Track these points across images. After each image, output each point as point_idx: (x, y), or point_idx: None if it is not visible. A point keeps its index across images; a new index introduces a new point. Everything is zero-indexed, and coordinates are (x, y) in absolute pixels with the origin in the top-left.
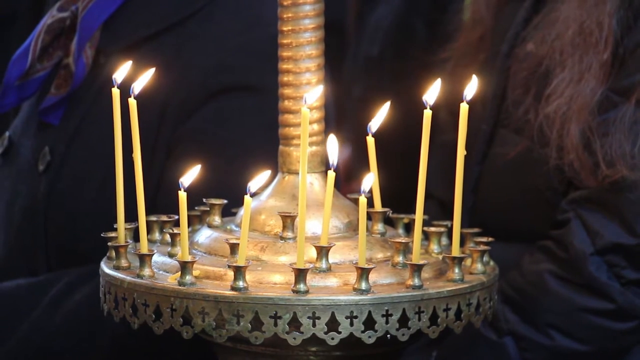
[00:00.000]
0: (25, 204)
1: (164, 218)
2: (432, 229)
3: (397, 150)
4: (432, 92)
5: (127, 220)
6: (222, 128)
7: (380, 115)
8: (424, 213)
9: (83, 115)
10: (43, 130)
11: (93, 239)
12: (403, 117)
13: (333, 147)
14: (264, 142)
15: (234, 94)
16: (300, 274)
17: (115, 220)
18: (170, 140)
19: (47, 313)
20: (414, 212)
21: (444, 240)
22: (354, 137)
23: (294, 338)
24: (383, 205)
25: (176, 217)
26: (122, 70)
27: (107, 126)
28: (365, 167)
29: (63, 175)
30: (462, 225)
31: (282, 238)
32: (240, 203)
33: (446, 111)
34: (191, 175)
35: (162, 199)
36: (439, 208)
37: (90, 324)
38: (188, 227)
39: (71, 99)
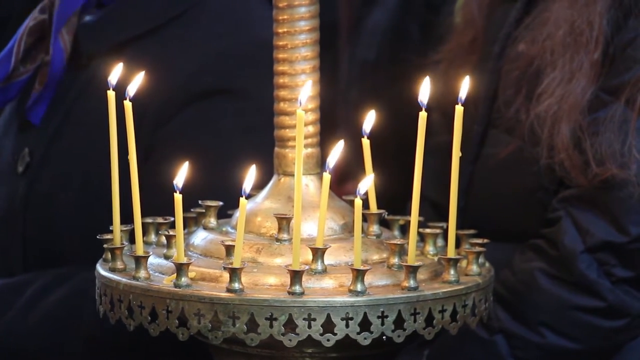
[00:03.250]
0: (3, 205)
1: (160, 220)
2: (428, 230)
3: (393, 152)
4: (424, 91)
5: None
6: (202, 132)
7: (371, 119)
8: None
9: (63, 117)
10: (23, 131)
11: (70, 241)
12: (398, 119)
13: (336, 152)
14: (243, 146)
15: (215, 98)
16: (296, 276)
17: (95, 222)
18: (149, 143)
19: (21, 314)
20: (408, 213)
21: (440, 242)
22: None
23: (290, 340)
24: (379, 207)
25: (172, 219)
26: (115, 72)
27: (87, 128)
28: (360, 169)
29: (42, 177)
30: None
31: (277, 240)
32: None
33: (438, 113)
34: (182, 175)
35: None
36: (431, 209)
37: (65, 326)
38: (184, 229)
39: (52, 100)
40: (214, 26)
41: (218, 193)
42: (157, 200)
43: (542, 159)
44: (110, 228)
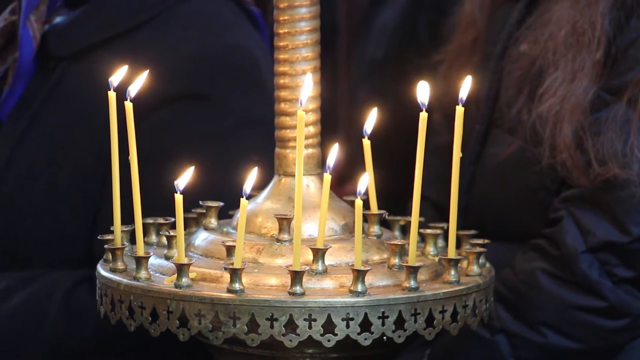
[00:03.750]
0: None
1: (160, 220)
2: (428, 231)
3: (400, 151)
4: (423, 94)
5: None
6: (172, 136)
7: (372, 119)
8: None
9: (31, 118)
10: None
11: (34, 244)
12: (405, 119)
13: (334, 153)
14: (210, 152)
15: (185, 102)
16: (297, 276)
17: (59, 224)
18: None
19: None
20: (409, 213)
21: (440, 242)
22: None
23: (290, 340)
24: (388, 208)
25: (172, 219)
26: (118, 74)
27: (54, 131)
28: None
29: (7, 179)
30: (457, 226)
31: (278, 240)
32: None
33: (440, 113)
34: (186, 177)
35: (106, 205)
36: (432, 210)
37: (28, 328)
38: (184, 229)
39: (20, 101)
40: (185, 31)
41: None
42: (127, 202)
43: (544, 159)
44: (111, 228)
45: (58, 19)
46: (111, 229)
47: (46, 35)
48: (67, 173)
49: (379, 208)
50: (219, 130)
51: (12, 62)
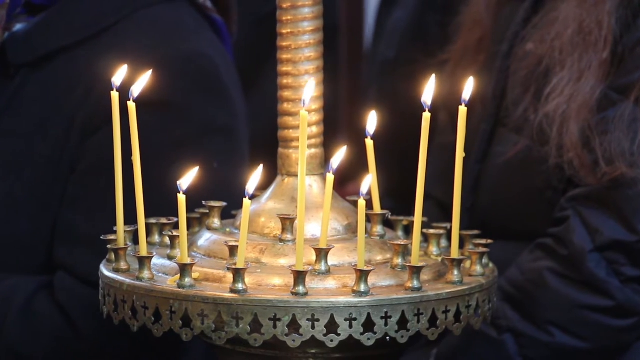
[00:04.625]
0: None
1: (163, 221)
2: (431, 231)
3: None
4: (428, 91)
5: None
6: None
7: (372, 120)
8: (424, 214)
9: None
10: None
11: None
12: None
13: (340, 155)
14: (170, 159)
15: (143, 110)
16: (300, 276)
17: (17, 235)
18: (75, 154)
19: None
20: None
21: (443, 242)
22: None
23: (293, 340)
24: (397, 207)
25: (175, 219)
26: (119, 74)
27: (15, 139)
28: (384, 170)
29: None
30: (462, 225)
31: (281, 240)
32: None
33: (446, 113)
34: (189, 177)
35: (65, 213)
36: (438, 209)
37: None
38: (187, 229)
39: None
40: (144, 38)
41: (151, 205)
42: (79, 214)
43: (551, 158)
44: (114, 228)
45: (18, 26)
46: (114, 228)
47: (5, 43)
48: (25, 182)
49: (389, 208)
50: (178, 139)
51: None
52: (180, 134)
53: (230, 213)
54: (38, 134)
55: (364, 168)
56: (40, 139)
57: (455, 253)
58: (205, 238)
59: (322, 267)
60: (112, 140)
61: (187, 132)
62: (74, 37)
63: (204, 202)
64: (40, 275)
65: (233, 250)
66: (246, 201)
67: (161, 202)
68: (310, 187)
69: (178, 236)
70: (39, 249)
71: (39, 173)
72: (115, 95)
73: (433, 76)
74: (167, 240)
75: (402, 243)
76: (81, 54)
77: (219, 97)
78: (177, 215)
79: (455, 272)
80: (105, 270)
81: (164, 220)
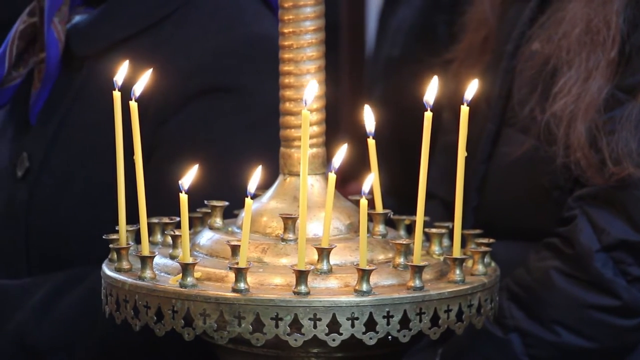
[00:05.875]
0: (3, 210)
1: (165, 220)
2: (434, 230)
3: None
4: (431, 92)
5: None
6: (202, 130)
7: (370, 118)
8: (429, 214)
9: (61, 120)
10: (20, 136)
11: (75, 245)
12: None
13: (341, 154)
14: (245, 144)
15: (212, 95)
16: (302, 276)
17: (99, 224)
18: (150, 143)
19: (34, 315)
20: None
21: (445, 242)
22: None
23: (295, 340)
24: (403, 206)
25: (177, 219)
26: (121, 71)
27: (86, 130)
28: (389, 169)
29: (43, 181)
30: (468, 224)
31: (283, 240)
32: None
33: (450, 112)
34: (190, 176)
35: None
36: (443, 209)
37: (80, 327)
38: (189, 229)
39: (48, 102)
40: (207, 24)
41: (222, 191)
42: (161, 200)
43: (558, 158)
44: (116, 228)
45: (77, 18)
46: (116, 228)
47: (68, 35)
48: (101, 171)
49: (391, 207)
50: (249, 122)
51: (33, 64)
52: (252, 117)
53: (232, 212)
54: (108, 124)
55: (366, 167)
56: (110, 128)
57: (457, 252)
58: (207, 237)
59: (324, 266)
60: (186, 127)
61: (259, 116)
62: (136, 27)
63: (206, 202)
64: None
65: (235, 249)
66: (248, 200)
67: (239, 185)
68: (312, 186)
69: (180, 235)
70: None
71: (113, 161)
72: (117, 95)
73: (435, 77)
74: (169, 239)
75: (404, 242)
76: (145, 43)
77: None
78: (232, 206)
79: (457, 272)
80: (107, 270)
81: (166, 220)
